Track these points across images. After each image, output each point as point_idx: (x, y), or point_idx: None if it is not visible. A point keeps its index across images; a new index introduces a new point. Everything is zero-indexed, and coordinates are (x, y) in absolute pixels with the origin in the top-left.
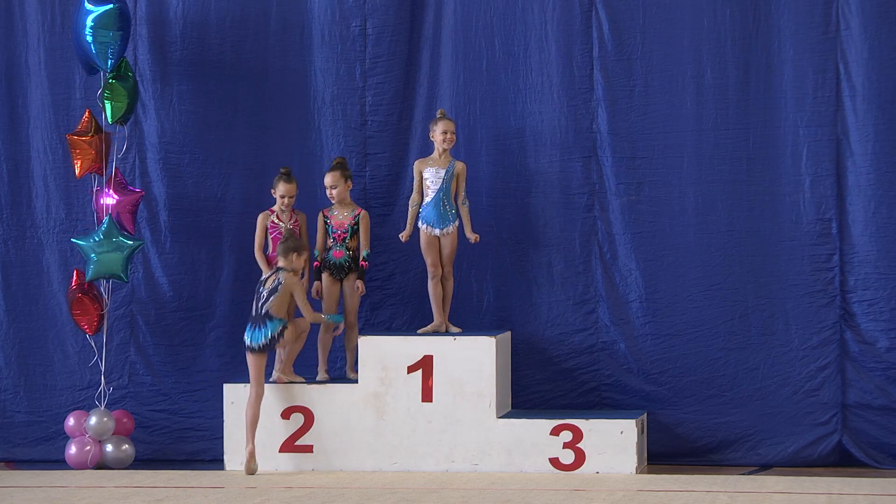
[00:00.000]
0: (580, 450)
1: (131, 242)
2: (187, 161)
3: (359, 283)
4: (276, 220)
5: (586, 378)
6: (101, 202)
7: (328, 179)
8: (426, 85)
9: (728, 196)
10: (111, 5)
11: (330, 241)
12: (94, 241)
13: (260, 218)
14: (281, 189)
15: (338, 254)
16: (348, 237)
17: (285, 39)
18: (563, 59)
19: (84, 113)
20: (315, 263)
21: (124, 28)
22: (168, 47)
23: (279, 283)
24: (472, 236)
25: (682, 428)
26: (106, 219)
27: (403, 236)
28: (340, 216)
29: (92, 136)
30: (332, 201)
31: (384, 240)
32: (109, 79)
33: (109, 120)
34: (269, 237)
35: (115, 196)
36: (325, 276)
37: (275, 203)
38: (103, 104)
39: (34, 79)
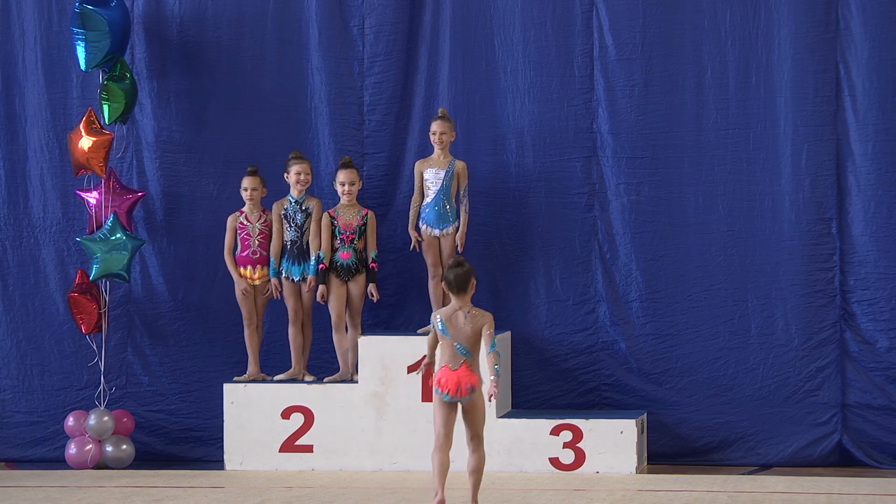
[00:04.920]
0: (580, 450)
1: (135, 241)
2: (184, 160)
3: (372, 289)
4: (245, 221)
5: (586, 378)
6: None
7: (346, 176)
8: (424, 84)
9: (728, 196)
10: (79, 5)
11: (336, 243)
12: (100, 240)
13: (229, 220)
14: (244, 182)
15: (345, 255)
16: (356, 238)
17: (283, 38)
18: (563, 59)
19: (81, 111)
20: (321, 266)
21: (106, 29)
22: (165, 46)
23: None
24: (457, 242)
25: (682, 428)
26: (111, 217)
27: (414, 242)
28: (348, 217)
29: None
30: (345, 198)
31: (382, 239)
32: (105, 80)
33: (107, 120)
34: (238, 238)
35: (96, 197)
36: (331, 277)
37: (244, 205)
38: (101, 105)
39: (31, 78)
